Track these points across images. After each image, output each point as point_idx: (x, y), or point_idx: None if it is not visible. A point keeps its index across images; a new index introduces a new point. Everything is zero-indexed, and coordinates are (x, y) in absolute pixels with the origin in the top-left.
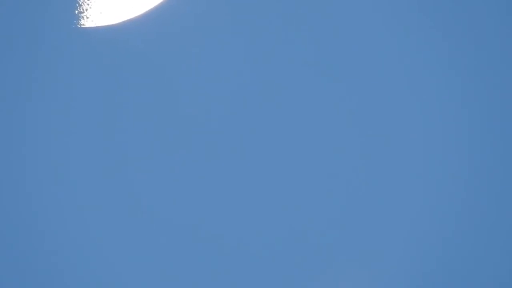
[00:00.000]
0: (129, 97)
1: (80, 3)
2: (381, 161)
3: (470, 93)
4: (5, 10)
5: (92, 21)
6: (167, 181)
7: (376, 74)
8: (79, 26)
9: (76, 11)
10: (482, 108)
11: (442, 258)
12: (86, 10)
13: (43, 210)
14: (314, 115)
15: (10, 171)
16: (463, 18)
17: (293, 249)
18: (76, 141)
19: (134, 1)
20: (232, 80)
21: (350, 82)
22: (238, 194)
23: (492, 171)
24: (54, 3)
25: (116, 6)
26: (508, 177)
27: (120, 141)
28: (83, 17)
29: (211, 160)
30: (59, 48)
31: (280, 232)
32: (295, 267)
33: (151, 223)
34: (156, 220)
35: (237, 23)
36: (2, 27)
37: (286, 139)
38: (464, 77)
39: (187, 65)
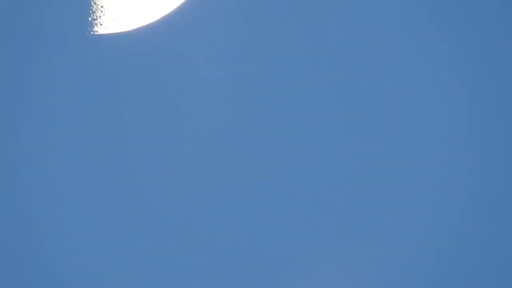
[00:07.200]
0: (141, 102)
1: (94, 10)
2: (383, 161)
3: (470, 93)
4: (19, 18)
5: (105, 28)
6: (169, 182)
7: (378, 75)
8: (92, 33)
9: (90, 18)
10: (483, 108)
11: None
12: (100, 17)
13: (50, 209)
14: (322, 117)
15: (23, 172)
16: (463, 18)
17: (295, 250)
18: (87, 146)
19: (147, 9)
20: (245, 86)
21: (356, 84)
22: (241, 194)
23: (494, 171)
24: (68, 11)
25: (129, 13)
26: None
27: (129, 145)
28: (96, 24)
29: (217, 162)
30: (73, 55)
31: (282, 232)
32: (297, 267)
33: (152, 223)
34: (156, 220)
35: (250, 29)
36: (16, 34)
37: (293, 141)
38: (466, 77)
39: (200, 71)
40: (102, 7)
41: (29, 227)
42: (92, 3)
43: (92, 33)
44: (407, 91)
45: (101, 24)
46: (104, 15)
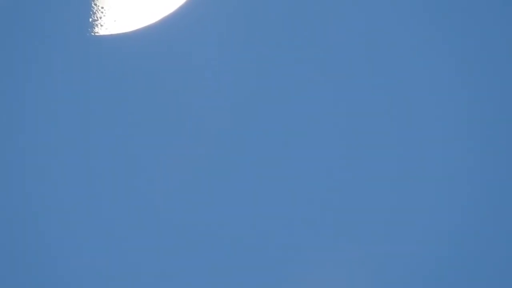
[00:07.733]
0: (142, 103)
1: (94, 11)
2: (383, 161)
3: (471, 93)
4: (19, 19)
5: (106, 29)
6: (169, 182)
7: (379, 74)
8: (93, 34)
9: (90, 19)
10: (483, 108)
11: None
12: (100, 18)
13: (50, 209)
14: (323, 117)
15: (27, 175)
16: (463, 18)
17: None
18: (88, 146)
19: (148, 10)
20: (246, 86)
21: (357, 84)
22: (241, 194)
23: (494, 171)
24: (69, 11)
25: (130, 14)
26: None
27: (130, 145)
28: (97, 25)
29: (217, 163)
30: (73, 56)
31: (282, 232)
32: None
33: (152, 223)
34: (156, 220)
35: (251, 29)
36: (16, 35)
37: (293, 141)
38: (465, 77)
39: (202, 72)
40: (102, 8)
41: (29, 227)
42: (93, 4)
43: (93, 34)
44: (407, 91)
45: (101, 25)
46: (104, 16)
